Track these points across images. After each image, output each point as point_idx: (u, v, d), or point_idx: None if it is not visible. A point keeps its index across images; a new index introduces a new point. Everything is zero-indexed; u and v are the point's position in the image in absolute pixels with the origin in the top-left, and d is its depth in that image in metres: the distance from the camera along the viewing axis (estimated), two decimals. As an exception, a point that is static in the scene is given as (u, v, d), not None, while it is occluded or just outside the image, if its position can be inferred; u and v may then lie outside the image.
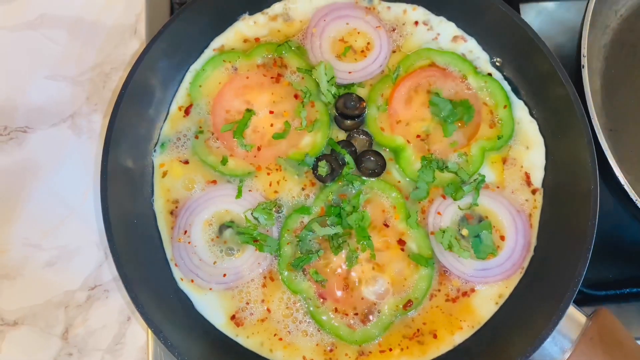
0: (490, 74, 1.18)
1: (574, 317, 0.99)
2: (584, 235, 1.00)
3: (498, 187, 1.12)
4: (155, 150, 1.13)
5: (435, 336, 1.05)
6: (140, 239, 1.07)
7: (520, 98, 1.17)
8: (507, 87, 1.17)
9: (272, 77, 1.17)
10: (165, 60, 1.14)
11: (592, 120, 1.06)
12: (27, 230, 1.23)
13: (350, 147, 1.13)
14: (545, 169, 1.13)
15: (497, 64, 1.19)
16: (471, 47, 1.20)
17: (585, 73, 1.10)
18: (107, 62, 1.33)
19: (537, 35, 1.09)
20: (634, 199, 1.05)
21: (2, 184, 1.26)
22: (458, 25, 1.21)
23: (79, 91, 1.32)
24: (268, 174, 1.12)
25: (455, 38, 1.21)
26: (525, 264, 1.08)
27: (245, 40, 1.20)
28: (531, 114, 1.15)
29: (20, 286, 1.20)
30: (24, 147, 1.29)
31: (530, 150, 1.14)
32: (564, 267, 1.00)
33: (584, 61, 1.11)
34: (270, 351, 1.05)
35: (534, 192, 1.11)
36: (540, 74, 1.11)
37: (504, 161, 1.13)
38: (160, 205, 1.11)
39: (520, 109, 1.16)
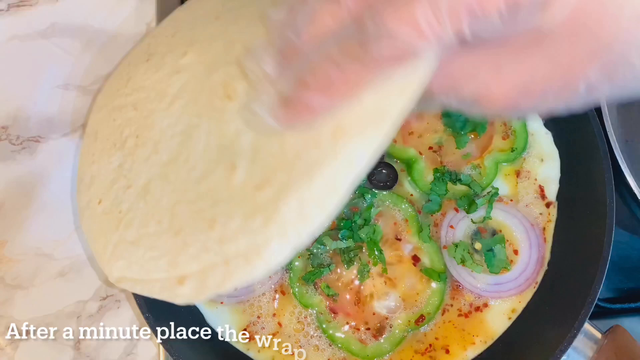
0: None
1: (589, 333, 0.98)
2: (599, 250, 0.98)
3: (512, 200, 1.11)
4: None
5: (447, 351, 1.04)
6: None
7: (534, 109, 1.15)
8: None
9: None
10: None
11: (608, 132, 1.04)
12: (39, 240, 1.24)
13: (362, 159, 1.12)
14: (560, 181, 1.11)
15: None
16: (484, 56, 1.19)
17: (601, 84, 1.07)
18: (118, 71, 1.33)
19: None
20: (650, 213, 1.04)
21: (15, 193, 1.26)
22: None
23: (90, 100, 1.32)
24: (279, 185, 1.11)
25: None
26: (539, 279, 1.07)
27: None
28: (546, 126, 1.14)
29: (33, 296, 1.21)
30: (36, 157, 1.29)
31: (545, 163, 1.12)
32: (579, 282, 0.99)
33: (600, 72, 1.08)
34: (282, 365, 1.05)
35: (548, 205, 1.10)
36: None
37: (518, 174, 1.12)
38: (170, 217, 1.11)
39: (535, 120, 1.14)
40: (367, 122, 0.62)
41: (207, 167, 0.79)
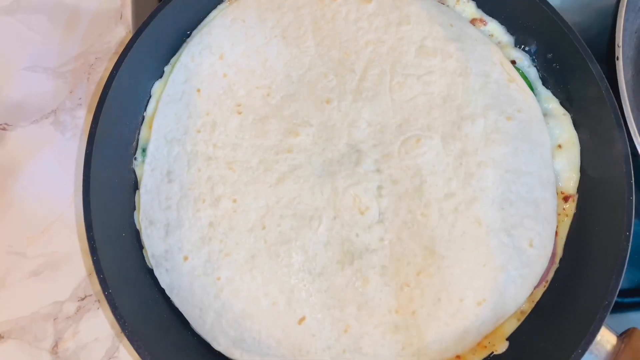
0: (514, 62, 1.07)
1: (605, 336, 0.91)
2: (617, 246, 0.90)
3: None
4: (135, 158, 1.02)
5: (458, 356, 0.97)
6: (128, 253, 0.98)
7: (548, 88, 1.06)
8: (535, 75, 1.07)
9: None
10: (152, 52, 1.03)
11: (627, 120, 0.95)
12: (10, 237, 1.15)
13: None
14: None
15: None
16: (492, 30, 1.09)
17: (620, 65, 0.98)
18: (91, 51, 1.22)
19: (567, 24, 0.97)
20: (670, 204, 0.95)
21: (-18, 186, 1.17)
22: (478, 6, 1.10)
23: (61, 84, 1.21)
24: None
25: (474, 20, 1.10)
26: (550, 277, 0.99)
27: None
28: (563, 106, 1.04)
29: (5, 297, 1.13)
30: (3, 146, 1.19)
31: (562, 150, 1.03)
32: (594, 282, 0.91)
33: (619, 52, 0.99)
34: (271, 373, 0.99)
35: (566, 199, 1.01)
36: (569, 67, 1.00)
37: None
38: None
39: (549, 101, 1.04)
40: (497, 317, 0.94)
41: (330, 266, 0.88)
